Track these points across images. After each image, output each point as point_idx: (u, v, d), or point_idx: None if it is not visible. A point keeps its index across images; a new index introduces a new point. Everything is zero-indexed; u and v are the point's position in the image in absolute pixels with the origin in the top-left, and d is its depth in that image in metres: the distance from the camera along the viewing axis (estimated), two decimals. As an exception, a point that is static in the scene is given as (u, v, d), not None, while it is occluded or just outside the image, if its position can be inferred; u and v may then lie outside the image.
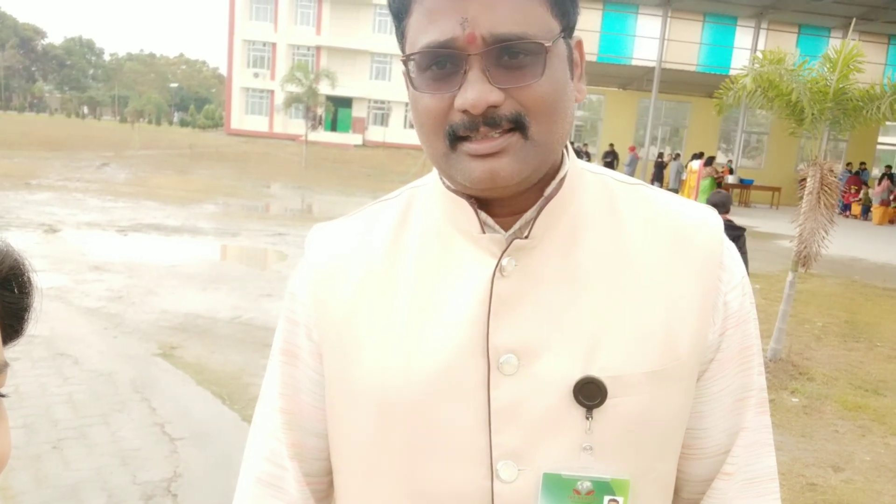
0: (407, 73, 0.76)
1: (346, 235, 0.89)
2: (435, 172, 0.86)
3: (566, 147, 0.83)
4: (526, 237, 0.79)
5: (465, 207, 0.80)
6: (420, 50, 0.73)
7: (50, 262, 8.43)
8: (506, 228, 0.80)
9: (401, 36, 0.77)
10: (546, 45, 0.71)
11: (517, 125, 0.72)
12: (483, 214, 0.80)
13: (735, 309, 0.82)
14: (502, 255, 0.79)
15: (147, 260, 8.93)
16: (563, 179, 0.81)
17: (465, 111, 0.71)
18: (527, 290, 0.78)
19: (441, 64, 0.72)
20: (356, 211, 0.93)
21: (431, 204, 0.86)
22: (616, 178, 0.88)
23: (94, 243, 9.89)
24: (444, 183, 0.83)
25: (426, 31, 0.72)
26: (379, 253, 0.85)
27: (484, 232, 0.80)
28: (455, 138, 0.73)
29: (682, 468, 0.87)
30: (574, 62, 0.79)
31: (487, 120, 0.71)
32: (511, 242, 0.79)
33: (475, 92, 0.70)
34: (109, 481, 3.52)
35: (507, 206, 0.80)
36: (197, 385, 4.87)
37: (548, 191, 0.80)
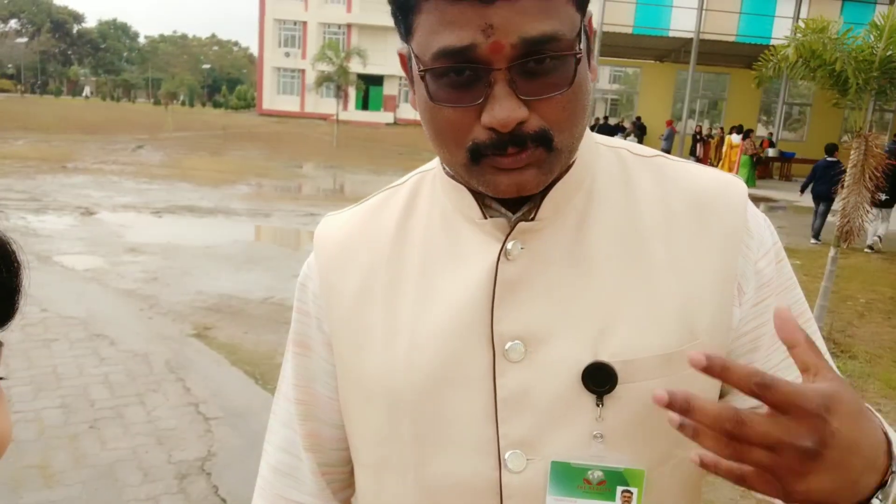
0: (420, 81, 0.69)
1: (353, 225, 0.87)
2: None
3: None
4: (532, 219, 0.75)
5: (466, 193, 0.78)
6: (434, 63, 0.66)
7: (86, 244, 8.58)
8: (514, 212, 0.77)
9: (406, 32, 0.70)
10: (577, 55, 0.66)
11: (542, 141, 0.68)
12: (488, 198, 0.77)
13: (770, 276, 0.78)
14: (506, 238, 0.76)
15: (181, 241, 9.03)
16: (573, 159, 0.77)
17: (491, 128, 0.67)
18: (534, 273, 0.75)
19: (460, 71, 0.66)
20: (364, 199, 0.90)
21: (437, 189, 0.83)
22: (632, 151, 0.84)
23: (129, 225, 10.03)
24: (445, 170, 0.80)
25: (440, 33, 0.65)
26: (386, 241, 0.83)
27: (486, 217, 0.77)
28: (478, 154, 0.69)
29: None
30: (589, 43, 0.73)
31: (514, 139, 0.67)
32: (516, 225, 0.75)
33: (504, 110, 0.65)
34: (145, 460, 3.56)
35: None
36: (231, 365, 4.91)
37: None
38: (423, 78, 0.69)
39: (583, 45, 0.70)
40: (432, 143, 0.74)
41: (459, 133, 0.69)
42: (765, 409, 0.79)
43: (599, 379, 0.72)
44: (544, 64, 0.66)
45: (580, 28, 0.69)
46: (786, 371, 0.79)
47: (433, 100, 0.69)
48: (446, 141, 0.71)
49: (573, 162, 0.77)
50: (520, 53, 0.64)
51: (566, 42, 0.66)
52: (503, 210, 0.77)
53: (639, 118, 23.44)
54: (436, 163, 0.84)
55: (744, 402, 0.82)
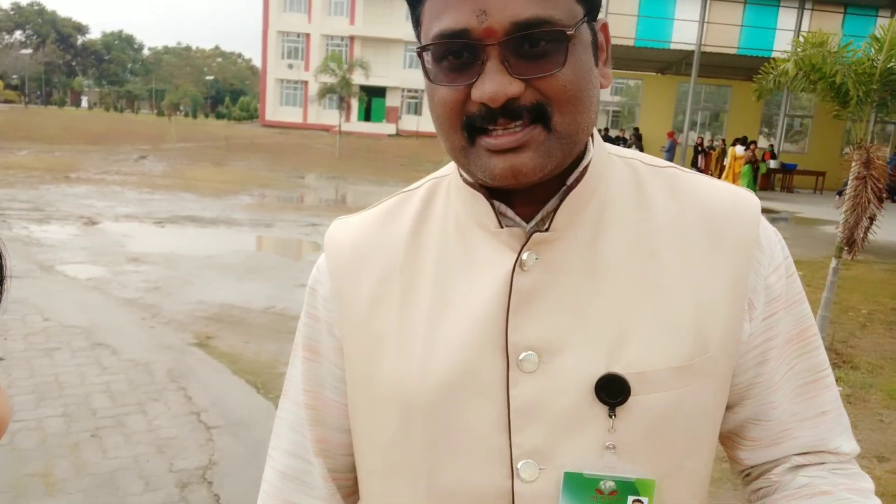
0: (422, 64, 0.73)
1: (366, 229, 0.86)
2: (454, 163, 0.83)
3: (591, 133, 0.79)
4: (546, 229, 0.75)
5: (482, 201, 0.77)
6: (433, 41, 0.69)
7: (89, 253, 8.60)
8: (527, 220, 0.77)
9: (416, 24, 0.74)
10: (569, 33, 0.67)
11: (539, 116, 0.69)
12: (502, 207, 0.77)
13: (780, 291, 0.79)
14: (522, 249, 0.76)
15: (183, 251, 9.04)
16: (586, 167, 0.77)
17: (482, 104, 0.68)
18: (548, 284, 0.75)
19: (457, 54, 0.69)
20: (377, 203, 0.90)
21: (452, 196, 0.83)
22: (645, 162, 0.84)
23: (131, 235, 10.04)
24: (461, 176, 0.80)
25: (439, 19, 0.69)
26: (400, 248, 0.83)
27: (502, 226, 0.77)
28: (473, 130, 0.70)
29: (737, 458, 0.86)
30: (599, 46, 0.75)
31: (506, 112, 0.68)
32: (531, 236, 0.75)
33: (494, 84, 0.67)
34: (146, 469, 3.56)
35: (527, 196, 0.76)
36: (232, 374, 4.91)
37: (569, 180, 0.76)
38: (420, 56, 0.72)
39: (585, 37, 0.71)
40: (438, 133, 0.75)
41: (454, 111, 0.71)
42: (767, 421, 0.81)
43: (612, 390, 0.72)
44: (539, 46, 0.67)
45: (581, 20, 0.70)
46: (788, 382, 0.81)
47: (432, 81, 0.71)
48: (444, 123, 0.72)
49: (586, 170, 0.77)
50: (512, 33, 0.67)
51: (560, 25, 0.67)
52: (518, 219, 0.77)
53: (636, 129, 23.51)
54: (450, 169, 0.84)
55: (747, 412, 0.82)
